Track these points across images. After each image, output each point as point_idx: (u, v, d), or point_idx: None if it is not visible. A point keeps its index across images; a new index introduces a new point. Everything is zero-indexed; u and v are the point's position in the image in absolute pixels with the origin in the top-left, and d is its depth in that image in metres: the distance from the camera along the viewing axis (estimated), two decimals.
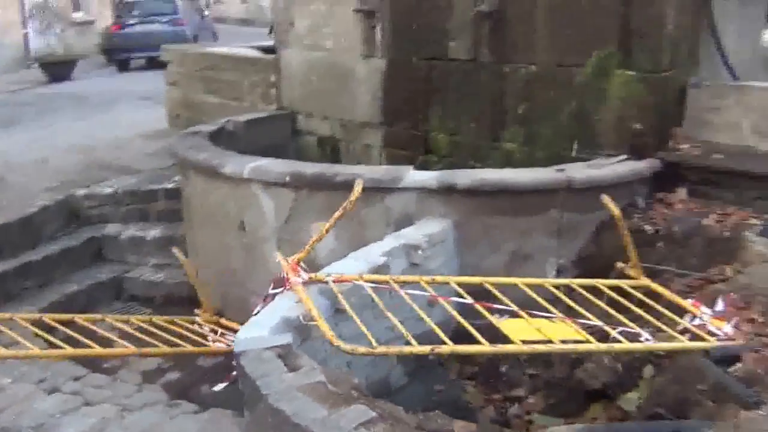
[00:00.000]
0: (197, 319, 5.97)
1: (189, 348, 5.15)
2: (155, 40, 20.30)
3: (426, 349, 3.59)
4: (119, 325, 5.30)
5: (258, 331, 3.63)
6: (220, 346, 5.35)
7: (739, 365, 3.82)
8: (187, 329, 5.60)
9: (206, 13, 28.55)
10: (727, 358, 3.89)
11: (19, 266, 6.59)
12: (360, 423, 2.86)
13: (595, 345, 3.91)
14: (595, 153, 6.04)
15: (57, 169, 8.57)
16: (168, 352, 5.03)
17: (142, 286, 7.06)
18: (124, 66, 22.63)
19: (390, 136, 7.63)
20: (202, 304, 6.29)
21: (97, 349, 4.50)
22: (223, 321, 6.07)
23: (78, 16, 26.94)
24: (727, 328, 4.15)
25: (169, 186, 7.72)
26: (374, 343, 3.53)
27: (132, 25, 22.64)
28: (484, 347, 3.69)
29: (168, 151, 8.27)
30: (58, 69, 20.22)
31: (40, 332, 4.90)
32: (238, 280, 6.16)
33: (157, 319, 5.64)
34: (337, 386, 3.21)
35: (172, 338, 5.24)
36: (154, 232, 7.45)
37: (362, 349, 3.48)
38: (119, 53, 22.62)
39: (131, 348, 4.73)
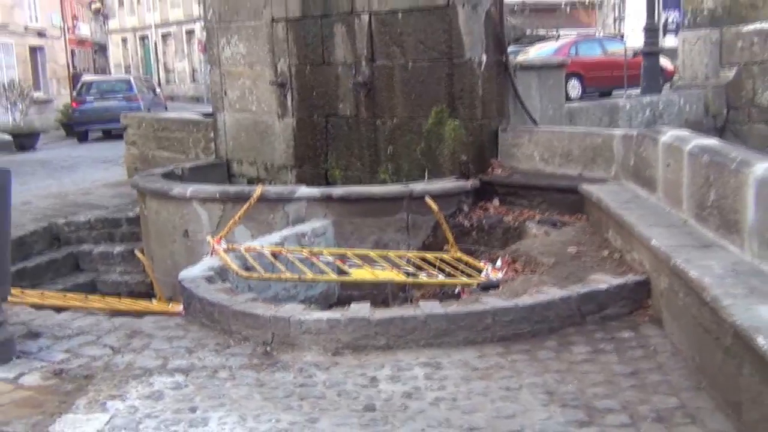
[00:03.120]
0: (154, 301, 7.98)
1: (151, 307, 7.17)
2: (112, 114, 22.29)
3: (295, 276, 5.74)
4: (98, 302, 7.30)
5: (193, 272, 5.74)
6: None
7: (496, 290, 6.03)
8: (147, 306, 7.60)
9: (158, 90, 30.81)
10: (489, 287, 6.11)
11: (16, 271, 8.52)
12: (248, 299, 4.99)
13: (403, 279, 6.13)
14: (439, 178, 8.33)
15: (39, 209, 10.58)
16: (137, 308, 7.03)
17: (110, 285, 9.07)
18: (83, 138, 24.61)
19: (300, 174, 9.86)
20: (156, 294, 8.30)
21: (82, 303, 6.51)
22: (173, 303, 8.07)
23: (39, 95, 28.92)
24: (499, 275, 6.39)
25: (130, 215, 9.82)
26: (262, 272, 5.67)
27: (91, 101, 24.73)
28: (333, 277, 5.88)
29: (128, 193, 10.37)
30: (24, 140, 22.18)
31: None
32: None
33: (125, 300, 7.65)
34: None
35: (137, 308, 7.27)
36: (119, 248, 9.50)
37: (255, 275, 5.63)
38: (79, 126, 24.65)
39: (108, 307, 6.73)
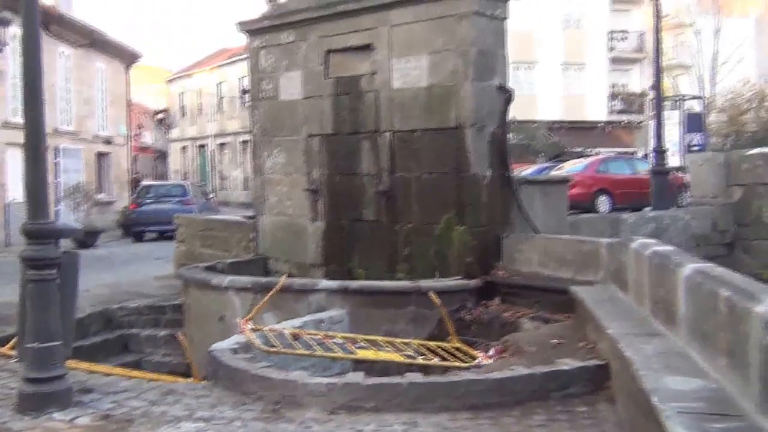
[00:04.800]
0: (190, 379, 8.89)
1: (184, 381, 8.08)
2: (167, 217, 23.67)
3: (306, 352, 6.64)
4: (139, 373, 8.27)
5: (222, 345, 6.68)
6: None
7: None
8: (180, 380, 8.52)
9: (211, 195, 32.53)
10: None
11: (74, 348, 9.53)
12: (263, 366, 5.90)
13: (402, 359, 6.98)
14: (448, 277, 9.25)
15: (96, 295, 11.71)
16: (169, 379, 7.96)
17: (154, 365, 10.02)
18: (138, 238, 26.04)
19: (328, 272, 10.85)
20: (193, 373, 9.21)
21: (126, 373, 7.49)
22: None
23: (101, 197, 30.68)
24: (490, 361, 7.20)
25: (175, 303, 10.87)
26: (279, 345, 6.59)
27: (148, 204, 26.34)
28: (341, 354, 6.76)
29: (175, 285, 11.45)
30: (85, 238, 23.63)
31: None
32: None
33: (167, 377, 8.59)
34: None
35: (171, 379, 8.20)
36: (163, 333, 10.53)
37: (273, 350, 6.54)
38: (136, 227, 26.18)
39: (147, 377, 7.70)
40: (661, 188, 14.44)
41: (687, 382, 4.40)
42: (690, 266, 5.19)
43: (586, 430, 5.10)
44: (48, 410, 5.28)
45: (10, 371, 6.55)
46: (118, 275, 15.14)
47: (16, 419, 5.20)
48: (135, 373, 7.67)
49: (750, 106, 35.75)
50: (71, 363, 7.23)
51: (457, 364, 7.10)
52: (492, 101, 9.41)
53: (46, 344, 5.34)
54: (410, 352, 7.35)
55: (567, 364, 5.94)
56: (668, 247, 6.42)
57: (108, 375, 6.95)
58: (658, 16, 16.64)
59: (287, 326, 7.58)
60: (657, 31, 16.70)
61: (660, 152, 15.27)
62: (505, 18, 9.75)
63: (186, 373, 9.61)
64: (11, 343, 7.29)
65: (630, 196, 17.20)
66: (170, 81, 56.61)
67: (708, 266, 5.14)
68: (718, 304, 4.33)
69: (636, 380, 4.58)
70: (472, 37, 9.26)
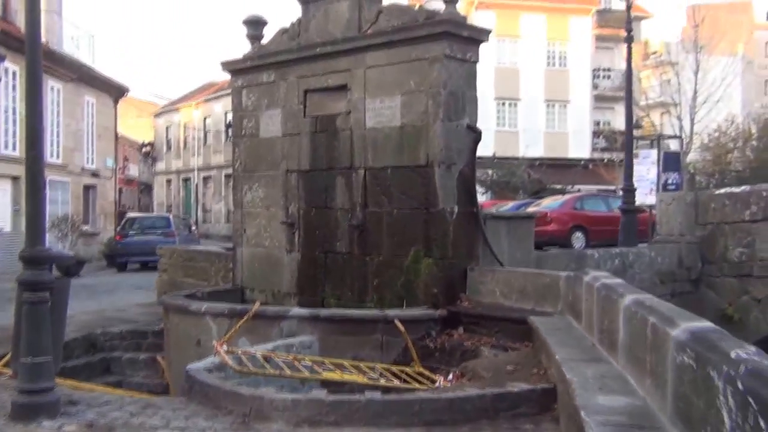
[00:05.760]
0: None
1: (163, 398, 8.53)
2: (150, 248, 24.15)
3: (276, 372, 7.11)
4: (119, 391, 8.72)
5: (198, 365, 7.15)
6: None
7: None
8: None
9: (193, 228, 33.02)
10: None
11: (59, 370, 9.98)
12: (235, 383, 6.38)
13: (365, 381, 7.46)
14: (414, 307, 9.75)
15: (81, 321, 12.12)
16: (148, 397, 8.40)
17: (134, 386, 10.42)
18: (122, 268, 26.50)
19: (301, 301, 11.32)
20: (171, 394, 9.65)
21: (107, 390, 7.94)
22: None
23: (87, 228, 31.02)
24: (448, 384, 7.69)
25: (156, 329, 11.32)
26: (250, 366, 7.07)
27: (132, 235, 26.86)
28: (307, 375, 7.24)
29: (156, 312, 11.90)
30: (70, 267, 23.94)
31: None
32: None
33: (147, 395, 9.03)
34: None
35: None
36: (144, 356, 10.96)
37: (245, 369, 7.01)
38: (120, 258, 26.66)
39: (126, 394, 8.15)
40: (628, 226, 15.02)
41: (616, 400, 4.89)
42: (630, 297, 5.68)
43: None
44: (38, 419, 5.81)
45: (2, 386, 7.05)
46: (102, 302, 15.57)
47: (9, 427, 5.70)
48: (117, 391, 8.12)
49: (735, 145, 36.26)
50: (57, 381, 7.74)
51: (417, 386, 7.58)
52: (461, 140, 9.98)
53: (38, 359, 5.90)
54: (374, 375, 7.83)
55: (517, 386, 6.43)
56: (616, 280, 6.92)
57: (92, 391, 7.42)
58: (629, 57, 17.39)
59: (259, 349, 8.04)
60: (629, 74, 17.46)
61: (628, 191, 15.85)
62: (475, 61, 10.33)
63: (164, 394, 10.08)
64: (3, 360, 7.83)
65: (605, 233, 17.66)
66: (157, 115, 57.23)
67: (645, 297, 5.62)
68: (646, 330, 4.81)
69: (572, 398, 5.08)
70: (443, 79, 9.84)
